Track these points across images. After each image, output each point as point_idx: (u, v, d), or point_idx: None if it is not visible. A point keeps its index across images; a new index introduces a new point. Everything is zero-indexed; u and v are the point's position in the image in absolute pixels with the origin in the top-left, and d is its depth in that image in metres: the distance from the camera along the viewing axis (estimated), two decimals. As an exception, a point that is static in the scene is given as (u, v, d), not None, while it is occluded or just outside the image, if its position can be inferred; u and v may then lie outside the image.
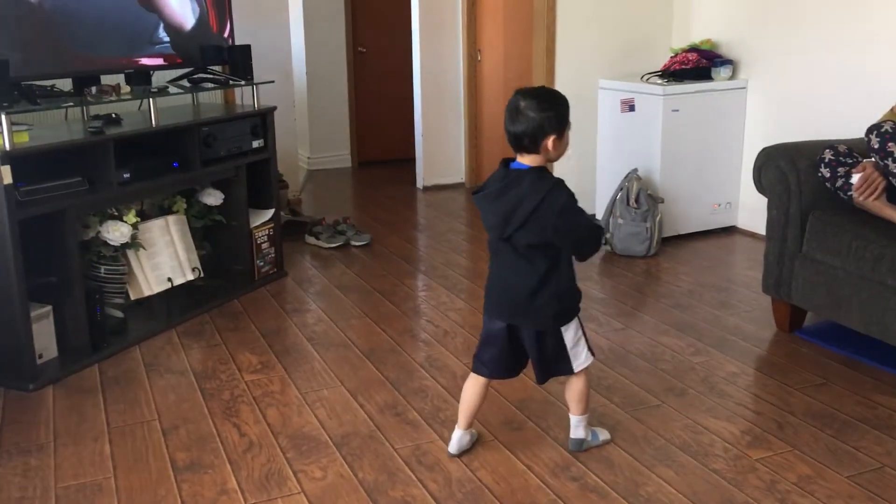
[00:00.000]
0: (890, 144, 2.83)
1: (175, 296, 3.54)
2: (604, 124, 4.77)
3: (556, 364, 2.30)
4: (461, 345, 3.19)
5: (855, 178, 2.95)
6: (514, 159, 2.19)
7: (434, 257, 4.39)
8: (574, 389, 2.36)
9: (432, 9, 5.83)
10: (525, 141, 2.12)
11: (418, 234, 4.95)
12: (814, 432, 2.48)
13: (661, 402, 2.69)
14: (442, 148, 6.09)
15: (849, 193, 2.99)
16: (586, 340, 2.32)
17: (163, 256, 3.46)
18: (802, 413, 2.60)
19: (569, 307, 2.26)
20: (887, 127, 2.86)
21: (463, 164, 6.17)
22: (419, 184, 6.16)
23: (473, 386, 2.35)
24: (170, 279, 3.46)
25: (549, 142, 2.12)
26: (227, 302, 3.69)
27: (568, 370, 2.31)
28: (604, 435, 2.45)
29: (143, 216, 3.47)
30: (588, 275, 4.03)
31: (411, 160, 6.30)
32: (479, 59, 5.82)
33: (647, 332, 3.29)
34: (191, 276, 3.57)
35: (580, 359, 2.30)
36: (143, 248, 3.34)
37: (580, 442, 2.40)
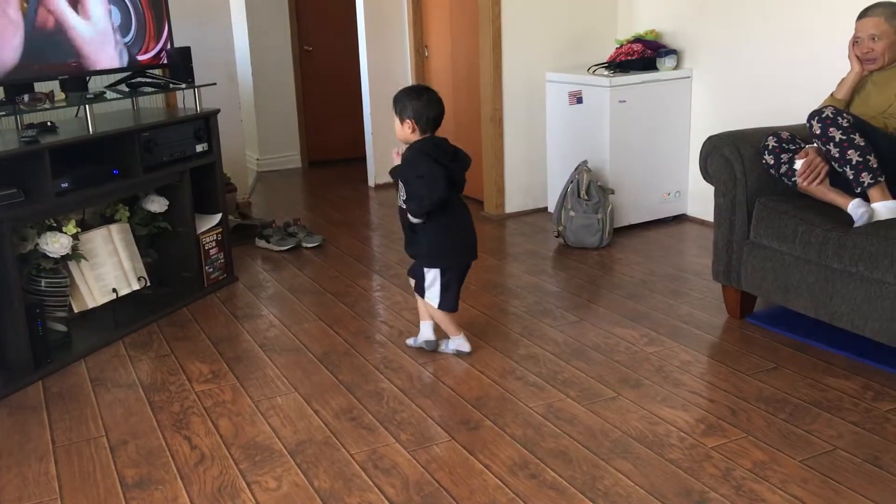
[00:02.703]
0: (831, 129, 2.87)
1: (121, 306, 3.45)
2: (552, 117, 4.77)
3: None
4: (416, 344, 3.16)
5: (798, 164, 2.99)
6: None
7: (387, 256, 4.35)
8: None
9: (377, 4, 5.78)
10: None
11: (371, 233, 4.91)
12: (767, 417, 2.51)
13: (617, 394, 2.70)
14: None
15: (793, 179, 3.03)
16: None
17: (106, 267, 3.37)
18: (755, 399, 2.63)
19: None
20: (828, 112, 2.90)
21: (414, 161, 6.12)
22: (371, 182, 6.11)
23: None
24: (114, 290, 3.37)
25: None
26: (175, 310, 3.61)
27: None
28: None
29: (85, 226, 3.37)
30: (541, 268, 4.03)
31: (362, 159, 6.25)
32: (427, 54, 5.79)
33: (602, 324, 3.29)
34: (136, 286, 3.48)
35: None
36: (85, 258, 3.25)
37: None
